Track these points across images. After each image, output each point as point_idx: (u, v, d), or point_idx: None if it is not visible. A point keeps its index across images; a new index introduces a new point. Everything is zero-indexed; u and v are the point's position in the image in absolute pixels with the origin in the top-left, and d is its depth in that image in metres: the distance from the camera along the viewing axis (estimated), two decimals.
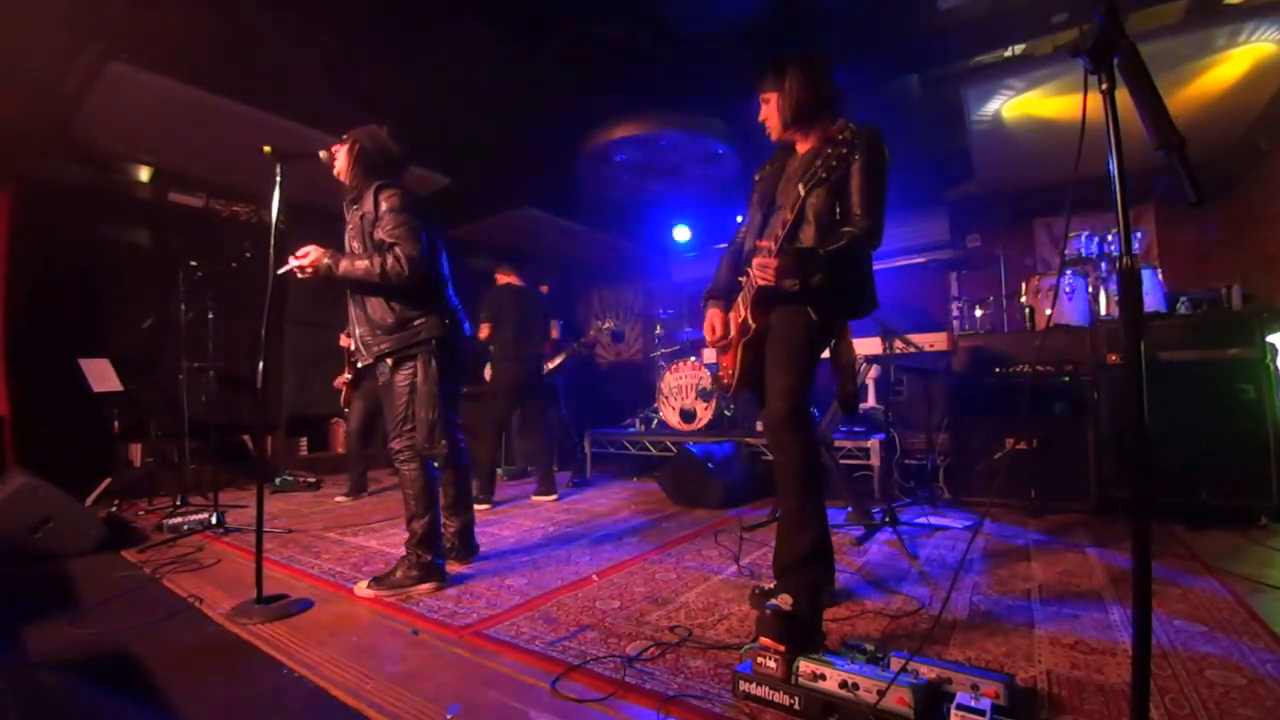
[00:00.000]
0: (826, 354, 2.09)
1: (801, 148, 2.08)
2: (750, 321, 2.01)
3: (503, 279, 4.54)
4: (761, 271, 1.84)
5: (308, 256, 2.28)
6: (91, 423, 4.24)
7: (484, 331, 4.31)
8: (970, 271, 5.92)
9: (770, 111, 2.04)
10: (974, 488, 3.58)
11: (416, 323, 2.39)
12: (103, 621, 2.02)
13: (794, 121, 2.02)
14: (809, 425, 1.96)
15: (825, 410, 3.48)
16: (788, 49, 2.08)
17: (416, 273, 2.30)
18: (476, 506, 3.26)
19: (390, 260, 2.27)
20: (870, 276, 2.08)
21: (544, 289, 5.08)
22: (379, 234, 2.33)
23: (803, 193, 1.81)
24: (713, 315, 2.20)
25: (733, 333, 2.12)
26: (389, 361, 2.43)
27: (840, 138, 1.69)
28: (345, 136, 2.45)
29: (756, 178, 2.22)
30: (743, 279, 2.08)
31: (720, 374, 2.27)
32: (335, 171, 2.47)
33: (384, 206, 2.33)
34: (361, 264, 2.29)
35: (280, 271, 2.27)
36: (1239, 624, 1.79)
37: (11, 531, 2.72)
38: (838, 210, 1.91)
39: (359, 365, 2.60)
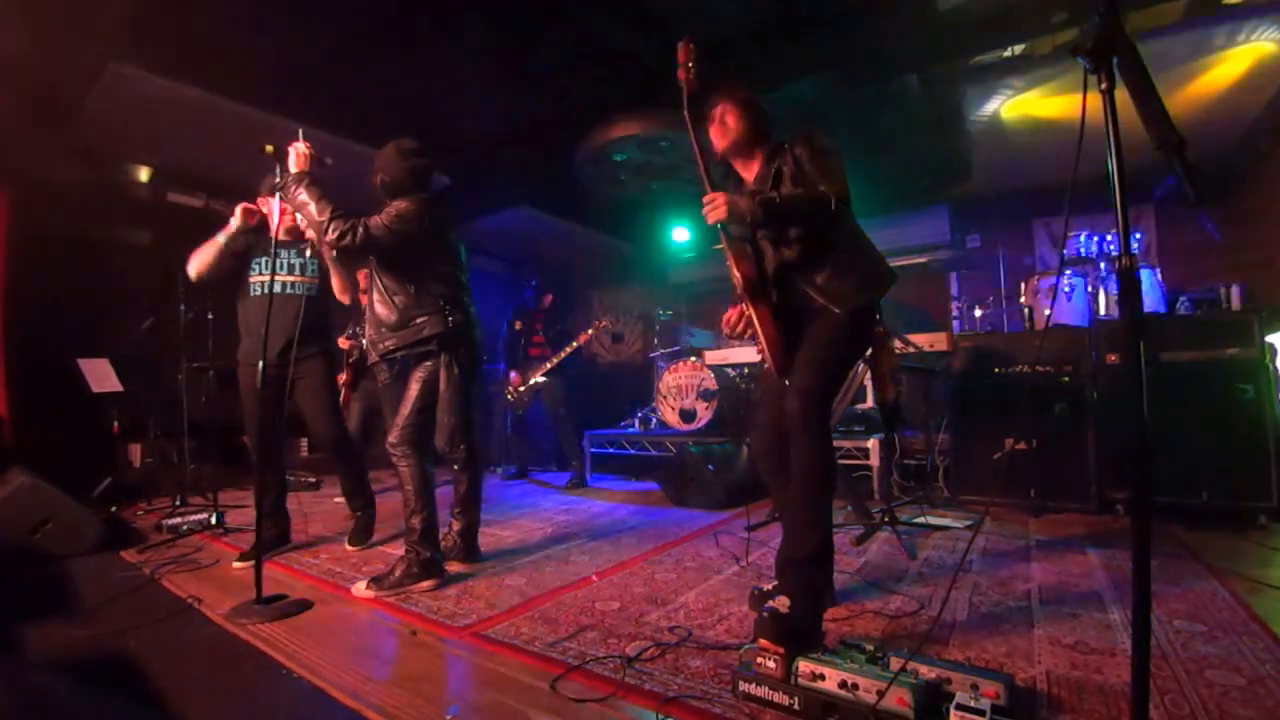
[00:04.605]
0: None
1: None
2: None
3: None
4: None
5: (303, 152, 2.30)
6: (91, 423, 4.24)
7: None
8: (970, 271, 5.92)
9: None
10: (973, 488, 3.57)
11: (418, 320, 2.42)
12: (102, 622, 2.02)
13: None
14: (827, 428, 1.96)
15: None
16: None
17: (352, 241, 2.25)
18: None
19: (339, 220, 2.24)
20: None
21: (548, 299, 5.18)
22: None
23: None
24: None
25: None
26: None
27: None
28: (376, 169, 2.47)
29: None
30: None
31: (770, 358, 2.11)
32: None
33: (391, 211, 2.36)
34: (318, 206, 2.25)
35: (268, 148, 2.27)
36: (1239, 624, 1.78)
37: (11, 532, 2.72)
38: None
39: (366, 364, 2.64)
